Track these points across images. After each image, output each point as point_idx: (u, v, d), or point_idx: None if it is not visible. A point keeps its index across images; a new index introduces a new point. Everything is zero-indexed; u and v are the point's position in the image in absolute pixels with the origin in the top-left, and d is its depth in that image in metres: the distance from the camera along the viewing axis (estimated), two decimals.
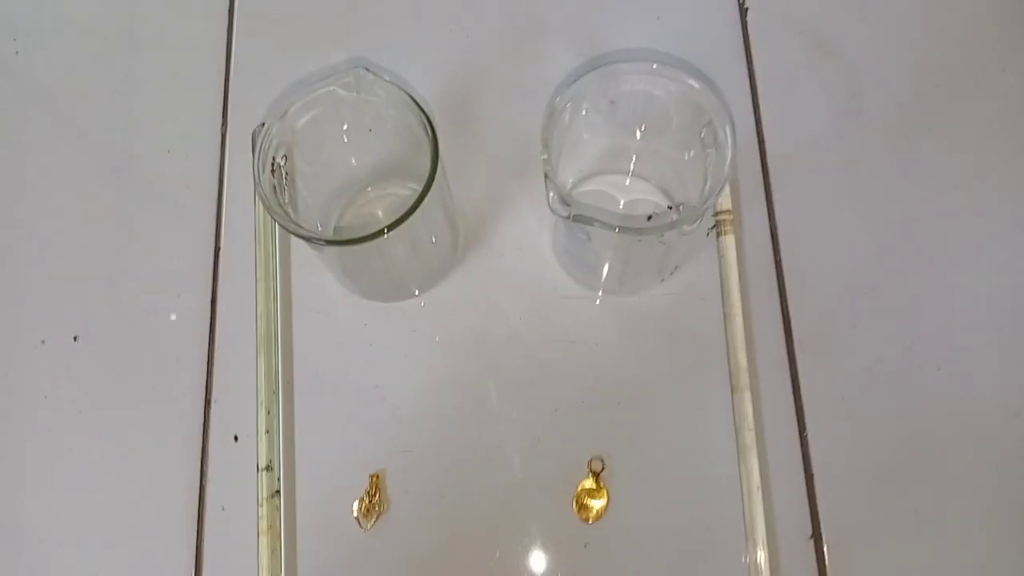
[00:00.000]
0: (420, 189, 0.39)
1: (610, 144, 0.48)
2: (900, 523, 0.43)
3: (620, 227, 0.37)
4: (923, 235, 0.48)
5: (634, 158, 0.48)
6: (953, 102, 0.51)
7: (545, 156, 0.38)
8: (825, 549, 0.43)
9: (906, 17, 0.53)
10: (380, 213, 0.49)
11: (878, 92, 0.51)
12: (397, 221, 0.38)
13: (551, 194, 0.38)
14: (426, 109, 0.40)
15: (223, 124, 0.53)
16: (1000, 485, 0.43)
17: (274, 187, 0.40)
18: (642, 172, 0.49)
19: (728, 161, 0.37)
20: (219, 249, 0.50)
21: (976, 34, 0.52)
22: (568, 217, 0.37)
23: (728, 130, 0.38)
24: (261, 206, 0.44)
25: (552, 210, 0.38)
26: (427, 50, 0.54)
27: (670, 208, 0.49)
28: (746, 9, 0.53)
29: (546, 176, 0.38)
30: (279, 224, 0.39)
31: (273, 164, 0.41)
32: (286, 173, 0.42)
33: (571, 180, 0.49)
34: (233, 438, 0.46)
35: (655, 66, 0.40)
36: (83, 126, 0.54)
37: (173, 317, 0.49)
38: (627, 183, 0.49)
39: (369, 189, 0.49)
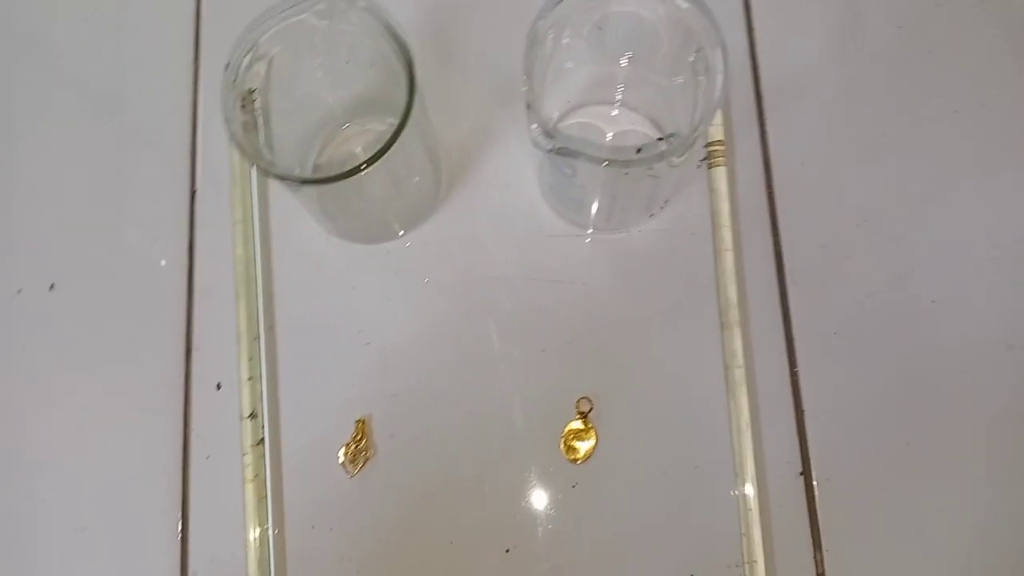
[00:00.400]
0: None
1: (596, 72, 0.46)
2: (891, 459, 0.43)
3: (607, 160, 0.36)
4: (920, 163, 0.47)
5: (621, 87, 0.46)
6: (953, 23, 0.49)
7: (527, 87, 0.36)
8: (815, 485, 0.42)
9: None
10: (359, 150, 0.47)
11: (876, 12, 0.49)
12: (373, 157, 0.37)
13: (533, 126, 0.37)
14: (402, 37, 0.38)
15: (195, 60, 0.50)
16: (994, 419, 0.43)
17: (246, 125, 0.38)
18: (630, 102, 0.47)
19: (719, 87, 0.35)
20: (195, 191, 0.48)
21: None
22: (552, 151, 0.36)
23: (719, 54, 0.36)
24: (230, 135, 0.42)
25: (535, 144, 0.37)
26: None
27: (660, 140, 0.47)
28: None
29: (528, 107, 0.37)
30: (253, 165, 0.38)
31: (244, 100, 0.39)
32: (259, 110, 0.40)
33: (556, 113, 0.47)
34: (216, 386, 0.45)
35: None
36: (51, 67, 0.51)
37: (152, 264, 0.47)
38: (614, 114, 0.47)
39: (347, 125, 0.47)
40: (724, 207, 0.45)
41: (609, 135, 0.47)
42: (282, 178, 0.37)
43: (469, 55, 0.50)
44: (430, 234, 0.47)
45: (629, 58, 0.44)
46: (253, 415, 0.44)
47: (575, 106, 0.47)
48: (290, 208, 0.47)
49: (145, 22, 0.52)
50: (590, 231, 0.46)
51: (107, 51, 0.51)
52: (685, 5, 0.37)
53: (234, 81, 0.38)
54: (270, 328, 0.46)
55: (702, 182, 0.46)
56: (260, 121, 0.41)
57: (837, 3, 0.49)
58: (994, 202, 0.46)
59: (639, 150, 0.47)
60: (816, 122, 0.47)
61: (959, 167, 0.46)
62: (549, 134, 0.36)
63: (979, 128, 0.47)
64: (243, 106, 0.38)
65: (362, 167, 0.36)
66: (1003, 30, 0.48)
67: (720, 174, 0.46)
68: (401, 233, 0.47)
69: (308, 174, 0.46)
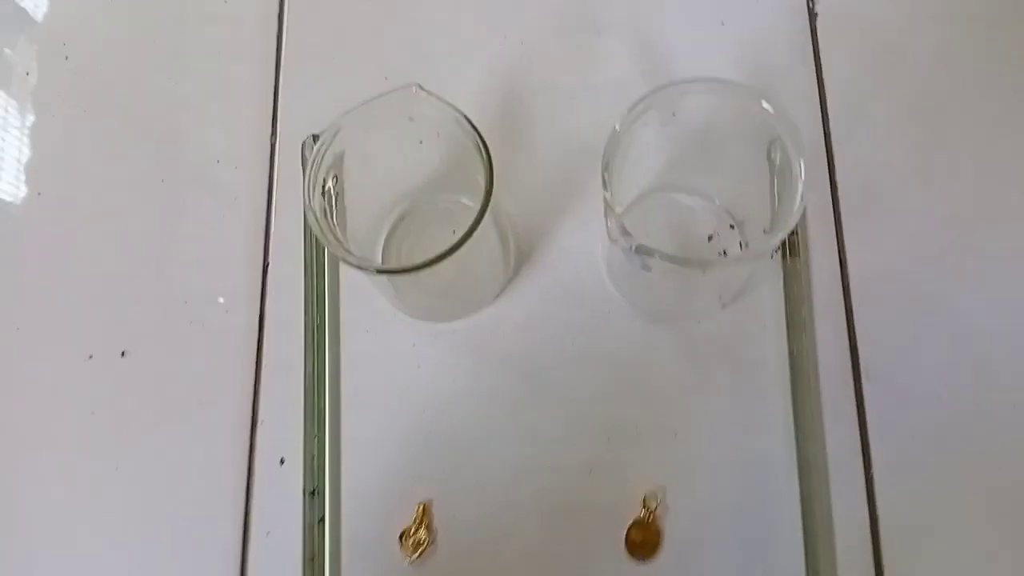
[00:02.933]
0: (472, 203, 0.37)
1: (671, 158, 0.46)
2: (969, 569, 0.41)
3: (684, 259, 0.35)
4: (997, 262, 0.45)
5: (696, 174, 0.46)
6: None
7: (606, 191, 0.36)
8: None
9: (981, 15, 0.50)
10: (432, 228, 0.48)
11: (957, 103, 0.48)
12: (448, 251, 0.37)
13: (609, 222, 0.37)
14: (479, 131, 0.38)
15: (272, 134, 0.51)
16: None
17: (324, 211, 0.39)
18: (703, 188, 0.47)
19: (798, 201, 0.35)
20: (267, 265, 0.49)
21: None
22: (629, 249, 0.36)
23: (801, 164, 0.35)
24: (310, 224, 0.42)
25: (611, 239, 0.36)
26: (481, 56, 0.52)
27: (732, 227, 0.46)
28: (815, 14, 0.50)
29: (605, 203, 0.36)
30: (330, 251, 0.38)
31: (324, 186, 0.39)
32: (336, 194, 0.41)
33: (631, 196, 0.47)
34: (279, 461, 0.45)
35: (724, 87, 0.38)
36: (132, 136, 0.53)
37: (222, 335, 0.48)
38: (688, 200, 0.47)
39: (421, 202, 0.48)
40: (799, 300, 0.44)
41: (682, 221, 0.47)
42: (360, 267, 0.37)
43: (540, 133, 0.50)
44: (497, 313, 0.47)
45: (705, 147, 0.44)
46: (315, 493, 0.44)
47: (648, 190, 0.47)
48: (360, 284, 0.47)
49: (225, 97, 0.53)
50: (660, 318, 0.46)
51: (189, 120, 0.53)
52: (768, 107, 0.37)
53: (315, 167, 0.38)
54: (335, 404, 0.46)
55: (775, 272, 0.45)
56: (336, 202, 0.41)
57: (915, 93, 0.48)
58: None
59: (711, 238, 0.46)
60: (894, 216, 0.46)
61: None
62: (625, 231, 0.36)
63: None
64: (323, 191, 0.39)
65: (437, 259, 0.36)
66: None
67: (795, 265, 0.45)
68: (468, 312, 0.47)
69: (379, 255, 0.47)
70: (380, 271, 0.37)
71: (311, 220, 0.37)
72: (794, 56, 0.50)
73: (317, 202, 0.38)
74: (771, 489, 0.42)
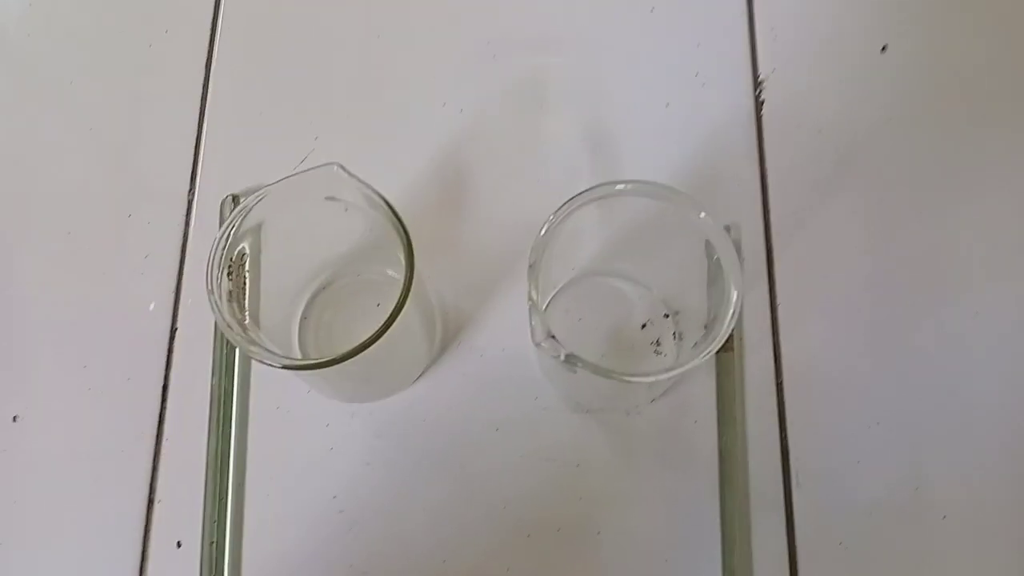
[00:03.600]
0: (397, 275, 0.35)
1: (609, 243, 0.44)
2: None
3: (611, 373, 0.33)
4: (938, 367, 0.44)
5: (633, 261, 0.45)
6: (980, 212, 0.47)
7: (533, 293, 0.34)
8: None
9: (932, 119, 0.49)
10: (355, 299, 0.45)
11: (898, 206, 0.47)
12: (361, 345, 0.34)
13: (534, 325, 0.35)
14: (400, 217, 0.36)
15: (190, 191, 0.48)
16: None
17: (231, 293, 0.36)
18: (640, 276, 0.45)
19: (727, 323, 0.33)
20: (175, 329, 0.46)
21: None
22: (556, 358, 0.34)
23: (734, 294, 0.34)
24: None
25: (536, 344, 0.34)
26: (419, 124, 0.50)
27: (667, 316, 0.45)
28: (762, 101, 0.49)
29: (530, 303, 0.34)
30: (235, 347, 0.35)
31: (232, 267, 0.37)
32: (247, 272, 0.38)
33: (565, 277, 0.45)
34: (176, 544, 0.42)
35: (661, 192, 0.36)
36: (38, 185, 0.49)
37: (121, 406, 0.45)
38: (623, 286, 0.45)
39: (343, 273, 0.45)
40: (731, 396, 0.43)
41: (616, 306, 0.45)
42: (263, 361, 0.34)
43: (475, 207, 0.48)
44: (419, 395, 0.44)
45: (642, 235, 0.42)
46: None
47: (583, 273, 0.45)
48: None
49: (144, 143, 0.50)
50: (588, 410, 0.44)
51: (102, 170, 0.49)
52: (707, 221, 0.35)
53: (223, 249, 0.36)
54: (239, 485, 0.43)
55: (708, 367, 0.44)
56: (246, 283, 0.39)
57: (859, 192, 0.47)
58: (1017, 416, 0.43)
59: (644, 326, 0.45)
60: (833, 316, 0.45)
61: (982, 372, 0.44)
62: (551, 337, 0.34)
63: (1007, 329, 0.45)
64: (230, 274, 0.36)
65: (348, 355, 0.34)
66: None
67: (728, 361, 0.44)
68: (389, 395, 0.44)
69: (296, 327, 0.44)
70: (286, 367, 0.35)
71: (214, 306, 0.34)
72: (739, 142, 0.48)
73: (224, 287, 0.35)
74: None
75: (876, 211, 0.47)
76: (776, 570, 0.41)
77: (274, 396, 0.44)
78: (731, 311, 0.34)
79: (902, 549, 0.41)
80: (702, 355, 0.33)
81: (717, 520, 0.42)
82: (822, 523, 0.42)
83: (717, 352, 0.43)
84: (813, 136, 0.48)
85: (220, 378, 0.44)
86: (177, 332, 0.46)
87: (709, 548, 0.41)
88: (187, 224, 0.48)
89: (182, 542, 0.42)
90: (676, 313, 0.45)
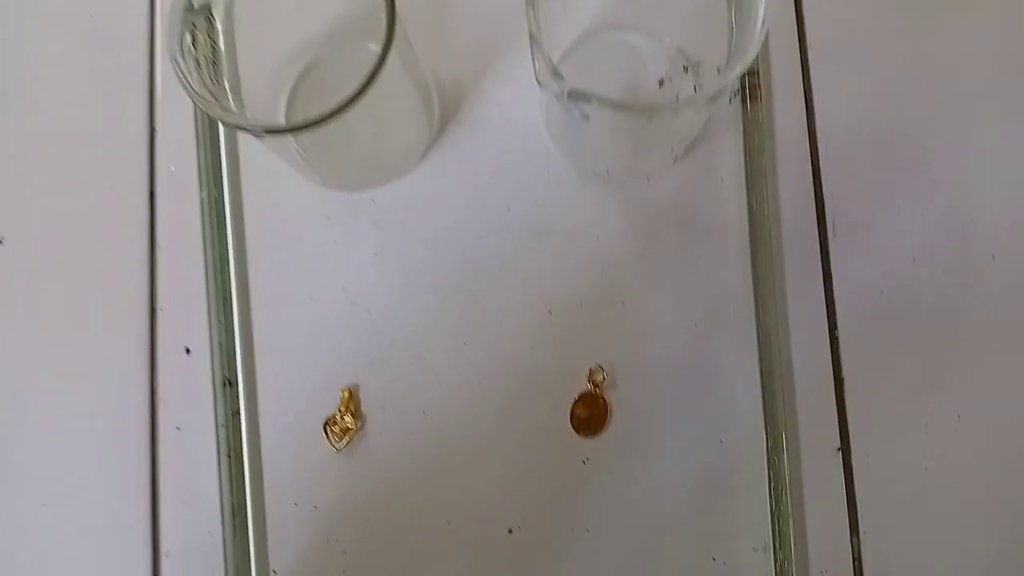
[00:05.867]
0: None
1: None
2: (938, 437, 0.38)
3: (626, 105, 0.30)
4: (981, 112, 0.40)
5: (643, 8, 0.40)
6: None
7: (532, 23, 0.30)
8: (853, 462, 0.38)
9: None
10: (342, 82, 0.41)
11: None
12: (350, 99, 0.31)
13: (537, 64, 0.31)
14: None
15: None
16: None
17: (197, 62, 0.32)
18: (652, 25, 0.41)
19: (758, 28, 0.29)
20: (154, 131, 0.42)
21: None
22: (561, 94, 0.30)
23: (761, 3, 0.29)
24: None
25: (540, 84, 0.31)
26: None
27: (686, 70, 0.41)
28: None
29: (531, 39, 0.31)
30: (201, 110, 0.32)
31: (195, 29, 0.33)
32: (213, 43, 0.34)
33: (568, 39, 0.41)
34: (185, 350, 0.41)
35: None
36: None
37: (108, 215, 0.42)
38: (635, 39, 0.41)
39: (326, 53, 0.41)
40: (760, 150, 0.39)
41: (629, 64, 0.41)
42: (243, 128, 0.31)
43: None
44: (421, 179, 0.41)
45: None
46: (227, 383, 0.40)
47: (590, 30, 0.41)
48: (262, 151, 0.41)
49: None
50: (605, 178, 0.41)
51: None
52: None
53: (185, 5, 0.32)
54: (242, 286, 0.41)
55: (734, 120, 0.40)
56: (221, 53, 0.35)
57: None
58: None
59: (662, 83, 0.41)
60: (868, 58, 0.41)
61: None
62: (557, 73, 0.30)
63: None
64: (194, 38, 0.32)
65: (337, 112, 0.31)
66: None
67: (755, 111, 0.40)
68: (389, 178, 0.41)
69: (279, 115, 0.40)
70: (270, 131, 0.31)
71: (178, 70, 0.31)
72: None
73: (187, 52, 0.32)
74: (727, 358, 0.39)
75: None
76: (814, 328, 0.39)
77: (268, 192, 0.41)
78: (759, 21, 0.29)
79: (950, 294, 0.39)
80: (726, 77, 0.30)
81: (749, 282, 0.39)
82: (862, 274, 0.39)
83: (743, 102, 0.40)
84: None
85: (208, 175, 0.41)
86: (156, 134, 0.42)
87: (741, 310, 0.39)
88: (152, 13, 0.43)
89: (190, 348, 0.41)
90: (696, 65, 0.40)
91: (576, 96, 0.30)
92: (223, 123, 0.31)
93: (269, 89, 0.40)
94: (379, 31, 0.32)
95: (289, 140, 0.37)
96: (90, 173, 0.42)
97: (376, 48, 0.37)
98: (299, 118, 0.41)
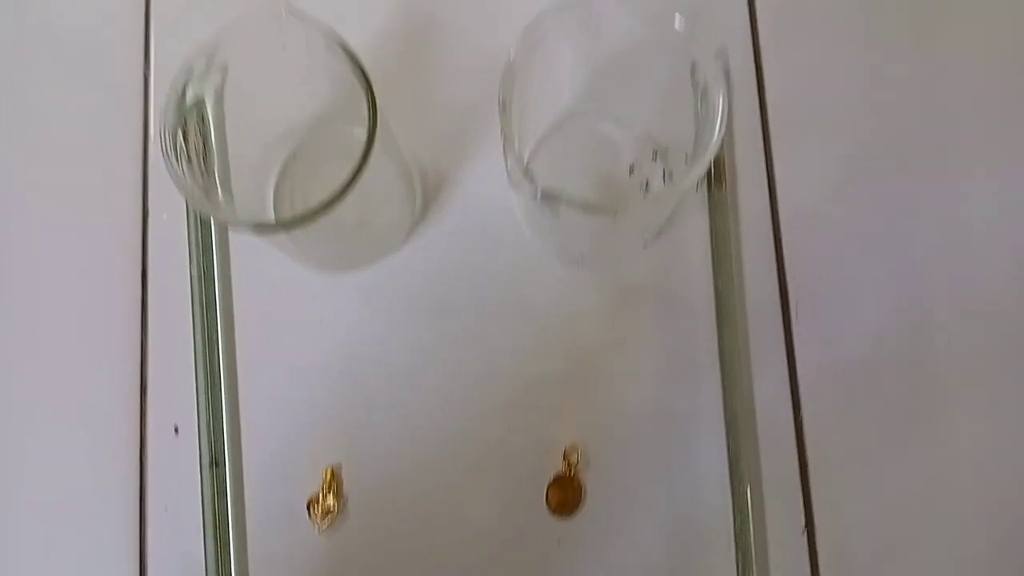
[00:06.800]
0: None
1: (586, 80, 0.41)
2: (901, 518, 0.39)
3: (592, 206, 0.32)
4: (939, 180, 0.42)
5: (613, 98, 0.42)
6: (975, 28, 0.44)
7: (506, 130, 0.32)
8: (818, 544, 0.39)
9: None
10: (329, 165, 0.43)
11: (907, 21, 0.44)
12: (333, 197, 0.33)
13: (509, 164, 0.33)
14: (357, 58, 0.34)
15: (145, 65, 0.46)
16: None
17: (189, 159, 0.34)
18: (622, 114, 0.43)
19: (716, 134, 0.31)
20: (147, 212, 0.44)
21: None
22: (534, 196, 0.32)
23: (721, 95, 0.31)
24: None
25: (512, 185, 0.33)
26: None
27: (655, 156, 0.43)
28: None
29: (505, 146, 0.32)
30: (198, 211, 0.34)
31: (185, 130, 0.34)
32: (204, 136, 0.36)
33: (542, 126, 0.43)
34: (174, 429, 0.42)
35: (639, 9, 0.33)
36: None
37: (101, 290, 0.43)
38: (606, 127, 0.43)
39: (313, 136, 0.43)
40: (725, 234, 0.41)
41: (599, 150, 0.43)
42: (233, 224, 0.32)
43: (444, 51, 0.45)
44: (403, 261, 0.43)
45: (620, 66, 0.40)
46: (214, 463, 0.41)
47: (562, 118, 0.43)
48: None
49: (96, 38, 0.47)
50: (579, 261, 0.42)
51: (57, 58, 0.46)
52: (681, 28, 0.33)
53: (178, 104, 0.33)
54: (230, 364, 0.42)
55: (701, 204, 0.42)
56: (212, 144, 0.37)
57: (853, 21, 0.44)
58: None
59: (632, 170, 0.43)
60: (831, 140, 0.43)
61: (984, 194, 0.42)
62: (528, 175, 0.32)
63: (1011, 154, 0.43)
64: (185, 135, 0.34)
65: (322, 209, 0.32)
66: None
67: (721, 195, 0.42)
68: (371, 260, 0.43)
69: (270, 200, 0.42)
70: (257, 226, 0.33)
71: (171, 170, 0.32)
72: None
73: (179, 151, 0.33)
74: (696, 438, 0.40)
75: (874, 29, 0.44)
76: (778, 406, 0.41)
77: (256, 272, 0.43)
78: (717, 127, 0.31)
79: (907, 376, 0.41)
80: (686, 178, 0.31)
81: (717, 362, 0.41)
82: (824, 356, 0.41)
83: (708, 187, 0.42)
84: None
85: (199, 259, 0.42)
86: (149, 215, 0.44)
87: (710, 390, 0.41)
88: (146, 100, 0.45)
89: (179, 427, 0.42)
90: (665, 151, 0.42)
91: (547, 196, 0.32)
92: (215, 219, 0.33)
93: (257, 174, 0.42)
94: (363, 116, 0.34)
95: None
96: (84, 250, 0.44)
97: (361, 132, 0.39)
98: (286, 203, 0.42)
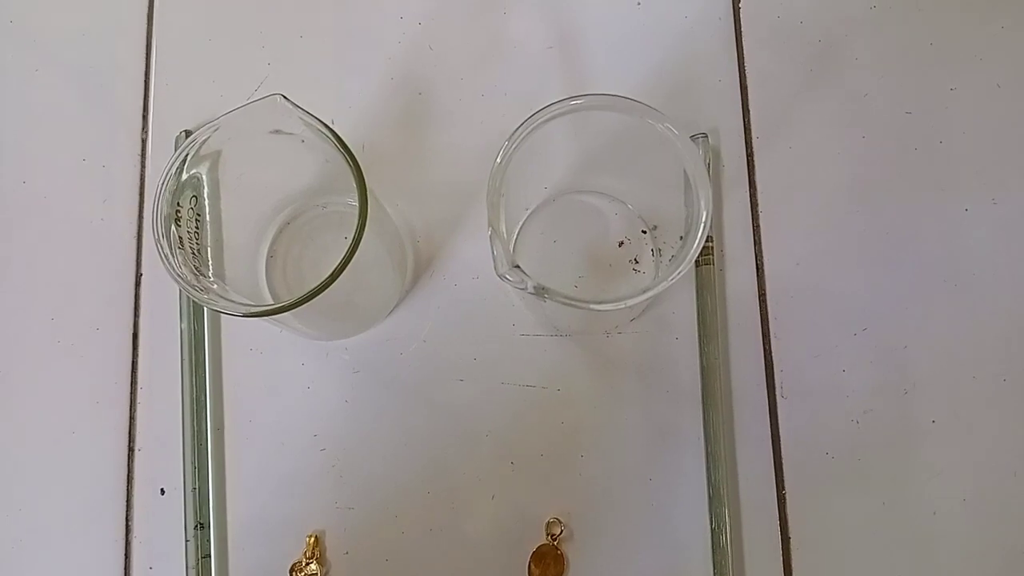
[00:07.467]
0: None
1: (581, 160, 0.42)
2: (871, 559, 0.40)
3: (579, 301, 0.32)
4: (926, 267, 0.43)
5: (607, 176, 0.43)
6: (966, 112, 0.45)
7: (494, 221, 0.32)
8: None
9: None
10: (321, 234, 0.44)
11: (883, 100, 0.45)
12: (323, 283, 0.33)
13: (496, 254, 0.33)
14: (348, 147, 0.34)
15: (143, 130, 0.46)
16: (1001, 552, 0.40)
17: (181, 240, 0.35)
18: (615, 191, 0.43)
19: (698, 238, 0.32)
20: (140, 276, 0.45)
21: None
22: (523, 289, 0.32)
23: (703, 203, 0.32)
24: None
25: (498, 275, 0.33)
26: (376, 39, 0.47)
27: (644, 233, 0.43)
28: (739, 7, 0.46)
29: (491, 237, 0.33)
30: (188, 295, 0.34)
31: (179, 211, 0.35)
32: (198, 215, 0.36)
33: (538, 198, 0.43)
34: (160, 491, 0.42)
35: (623, 105, 0.34)
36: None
37: (92, 353, 0.44)
38: (598, 202, 0.44)
39: (306, 207, 0.44)
40: (712, 310, 0.42)
41: (591, 225, 0.44)
42: (225, 312, 0.33)
43: (438, 129, 0.46)
44: (393, 329, 0.43)
45: (614, 151, 0.40)
46: (199, 526, 0.41)
47: (557, 192, 0.44)
48: None
49: (91, 83, 0.47)
50: (567, 334, 0.43)
51: (52, 114, 0.47)
52: (672, 132, 0.33)
53: (168, 192, 0.34)
54: (218, 429, 0.42)
55: (688, 281, 0.43)
56: (200, 225, 0.37)
57: (841, 95, 0.45)
58: (1007, 314, 0.42)
59: (621, 244, 0.43)
60: (818, 224, 0.43)
61: (968, 272, 0.43)
62: (516, 267, 0.32)
63: (993, 229, 0.43)
64: (178, 219, 0.35)
65: (313, 294, 0.33)
66: (1018, 119, 0.44)
67: (708, 274, 0.42)
68: (361, 329, 0.43)
69: (263, 267, 0.43)
70: (247, 315, 0.33)
71: (162, 256, 0.33)
72: (716, 40, 0.46)
73: (172, 235, 0.34)
74: (680, 514, 0.41)
75: (860, 110, 0.45)
76: (762, 484, 0.41)
77: (245, 337, 0.43)
78: (701, 226, 0.32)
79: (891, 456, 0.41)
80: (673, 274, 0.32)
81: (701, 437, 0.41)
82: (808, 434, 0.41)
83: (696, 265, 0.42)
84: (794, 29, 0.46)
85: (189, 323, 0.43)
86: (142, 278, 0.44)
87: (694, 466, 0.41)
88: (143, 165, 0.46)
89: (165, 489, 0.42)
90: (654, 228, 0.43)
91: (537, 291, 0.32)
92: (207, 307, 0.33)
93: (250, 245, 0.42)
94: (352, 186, 0.34)
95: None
96: (74, 314, 0.44)
97: (352, 202, 0.40)
98: (279, 276, 0.43)
